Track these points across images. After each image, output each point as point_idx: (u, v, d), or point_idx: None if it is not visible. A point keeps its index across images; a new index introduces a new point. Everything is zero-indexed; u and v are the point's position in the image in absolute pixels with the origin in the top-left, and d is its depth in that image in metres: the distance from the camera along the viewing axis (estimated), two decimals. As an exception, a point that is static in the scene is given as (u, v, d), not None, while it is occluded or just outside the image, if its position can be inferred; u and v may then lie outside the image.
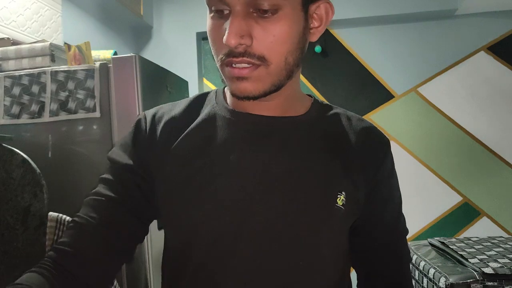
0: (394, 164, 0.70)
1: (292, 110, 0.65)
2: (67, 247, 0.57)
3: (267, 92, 0.58)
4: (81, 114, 1.47)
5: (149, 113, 0.68)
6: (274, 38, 0.54)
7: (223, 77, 0.60)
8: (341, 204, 0.61)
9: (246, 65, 0.55)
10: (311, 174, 0.61)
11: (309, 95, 0.72)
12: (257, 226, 0.59)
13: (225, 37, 0.53)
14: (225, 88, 0.69)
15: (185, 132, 0.64)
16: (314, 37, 0.61)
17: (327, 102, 0.73)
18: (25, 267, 1.02)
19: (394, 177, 0.70)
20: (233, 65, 0.56)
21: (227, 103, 0.67)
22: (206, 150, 0.62)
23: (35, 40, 1.74)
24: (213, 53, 0.59)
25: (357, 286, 0.74)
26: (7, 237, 1.08)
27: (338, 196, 0.61)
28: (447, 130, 2.76)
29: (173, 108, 0.68)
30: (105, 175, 0.64)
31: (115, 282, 1.35)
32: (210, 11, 0.57)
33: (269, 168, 0.60)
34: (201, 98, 0.70)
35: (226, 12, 0.55)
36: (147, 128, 0.66)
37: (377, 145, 0.67)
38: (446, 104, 2.77)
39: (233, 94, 0.59)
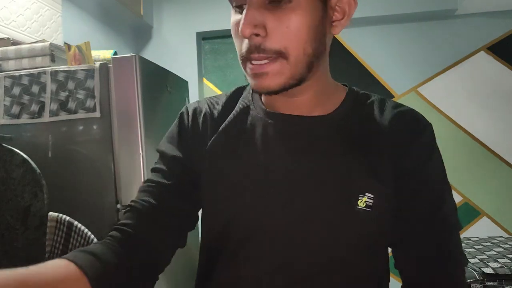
0: (434, 146, 0.63)
1: (321, 107, 0.64)
2: (127, 227, 0.61)
3: (288, 86, 0.57)
4: (81, 114, 1.47)
5: (191, 106, 0.71)
6: (288, 29, 0.54)
7: (244, 73, 0.60)
8: (363, 205, 0.59)
9: (265, 61, 0.55)
10: (330, 176, 0.61)
11: (345, 85, 0.70)
12: (278, 226, 0.61)
13: (239, 28, 0.54)
14: None
15: (221, 127, 0.66)
16: (336, 30, 0.59)
17: (370, 94, 0.70)
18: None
19: (432, 160, 0.62)
20: (252, 62, 0.56)
21: (261, 100, 0.67)
22: (238, 147, 0.64)
23: (35, 40, 1.74)
24: (237, 50, 0.60)
25: None
26: (7, 237, 1.08)
27: (360, 198, 0.59)
28: (447, 130, 2.76)
29: (212, 102, 0.70)
30: (156, 165, 0.68)
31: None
32: (233, 8, 0.58)
33: (291, 170, 0.61)
34: (239, 92, 0.71)
35: (245, 6, 0.55)
36: (189, 122, 0.69)
37: (407, 129, 0.62)
38: (446, 104, 2.77)
39: (254, 90, 0.60)
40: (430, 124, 0.65)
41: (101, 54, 1.64)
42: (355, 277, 0.63)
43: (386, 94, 2.81)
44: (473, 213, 2.74)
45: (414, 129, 0.62)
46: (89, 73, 1.47)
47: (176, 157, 0.67)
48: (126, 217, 0.63)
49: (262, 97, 0.68)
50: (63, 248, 1.22)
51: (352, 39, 2.87)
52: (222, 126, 0.66)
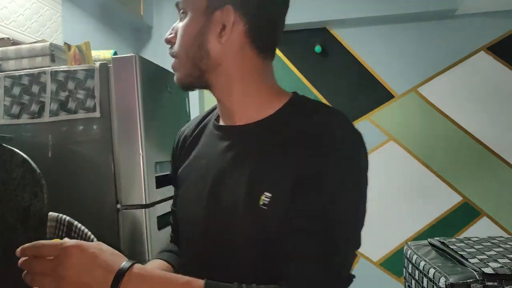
0: (337, 154, 0.63)
1: (252, 114, 0.71)
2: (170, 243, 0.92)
3: (186, 82, 0.73)
4: (81, 114, 1.47)
5: (181, 129, 0.88)
6: (179, 35, 0.71)
7: None
8: (261, 203, 0.64)
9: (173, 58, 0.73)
10: (243, 177, 0.67)
11: (293, 93, 0.74)
12: (198, 220, 0.73)
13: None
14: None
15: (188, 140, 0.82)
16: (223, 39, 0.68)
17: (309, 101, 0.72)
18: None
19: (334, 168, 0.62)
20: None
21: (218, 117, 0.79)
22: (193, 156, 0.79)
23: (35, 40, 1.74)
24: None
25: None
26: (7, 237, 1.08)
27: (261, 196, 0.64)
28: (447, 130, 2.76)
29: (195, 120, 0.86)
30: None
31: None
32: None
33: (216, 173, 0.71)
34: (213, 108, 0.85)
35: None
36: (176, 143, 0.87)
37: (318, 137, 0.64)
38: (446, 104, 2.77)
39: None
40: (349, 136, 0.65)
41: (101, 54, 1.64)
42: (257, 271, 0.65)
43: (386, 94, 2.82)
44: (473, 213, 2.74)
45: (320, 137, 0.64)
46: (89, 73, 1.47)
47: (173, 177, 0.86)
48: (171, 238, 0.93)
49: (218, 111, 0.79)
50: (63, 248, 1.22)
51: (352, 39, 2.87)
52: (189, 139, 0.82)
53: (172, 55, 0.73)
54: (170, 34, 0.73)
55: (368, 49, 2.84)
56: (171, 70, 0.75)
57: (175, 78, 0.73)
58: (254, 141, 0.69)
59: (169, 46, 0.73)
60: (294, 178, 0.62)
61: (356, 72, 2.85)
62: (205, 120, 0.82)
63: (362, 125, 2.82)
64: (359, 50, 2.86)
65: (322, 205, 0.61)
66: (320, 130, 0.64)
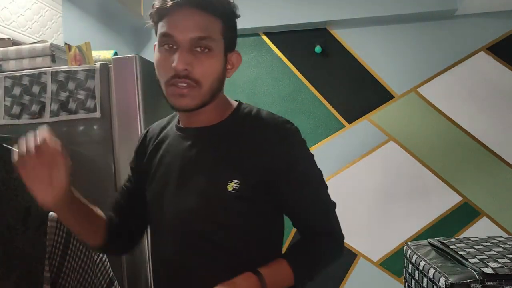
0: (300, 148, 0.87)
1: (212, 120, 0.88)
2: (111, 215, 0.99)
3: (199, 106, 0.83)
4: (81, 115, 1.48)
5: (149, 127, 1.02)
6: (206, 68, 0.80)
7: (165, 94, 0.83)
8: (231, 189, 0.81)
9: (185, 85, 0.79)
10: (207, 168, 0.85)
11: (238, 102, 0.93)
12: (170, 206, 0.88)
13: (175, 63, 0.78)
14: None
15: (157, 140, 0.96)
16: (228, 75, 0.87)
17: (253, 108, 0.91)
18: (25, 267, 1.03)
19: (301, 160, 0.86)
20: (178, 85, 0.79)
21: (178, 121, 0.94)
22: (160, 152, 0.93)
23: (35, 41, 1.74)
24: (158, 76, 0.84)
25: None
26: (8, 237, 1.08)
27: (229, 183, 0.82)
28: (447, 130, 2.76)
29: (158, 124, 1.01)
30: (128, 173, 1.03)
31: (115, 282, 1.35)
32: (160, 47, 0.82)
33: (182, 165, 0.87)
34: (175, 115, 0.98)
35: (175, 47, 0.80)
36: (141, 140, 1.01)
37: (270, 136, 0.84)
38: (446, 104, 2.78)
39: (174, 108, 0.84)
40: (291, 133, 0.86)
41: (102, 54, 1.65)
42: (224, 246, 0.84)
43: (386, 94, 2.82)
44: (473, 213, 2.74)
45: (276, 137, 0.84)
46: (90, 73, 1.48)
47: (132, 168, 1.01)
48: (110, 207, 0.99)
49: (179, 117, 0.94)
50: (64, 248, 1.23)
51: (352, 39, 2.87)
52: (157, 139, 0.96)
53: (186, 81, 0.79)
54: (187, 63, 0.78)
55: (368, 49, 2.85)
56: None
57: (181, 102, 0.81)
58: (214, 139, 0.87)
59: (184, 76, 0.79)
60: (264, 172, 0.82)
61: (356, 72, 2.85)
62: (168, 126, 0.97)
63: (361, 125, 2.83)
64: (359, 51, 2.86)
65: (317, 182, 0.89)
66: (275, 129, 0.85)
